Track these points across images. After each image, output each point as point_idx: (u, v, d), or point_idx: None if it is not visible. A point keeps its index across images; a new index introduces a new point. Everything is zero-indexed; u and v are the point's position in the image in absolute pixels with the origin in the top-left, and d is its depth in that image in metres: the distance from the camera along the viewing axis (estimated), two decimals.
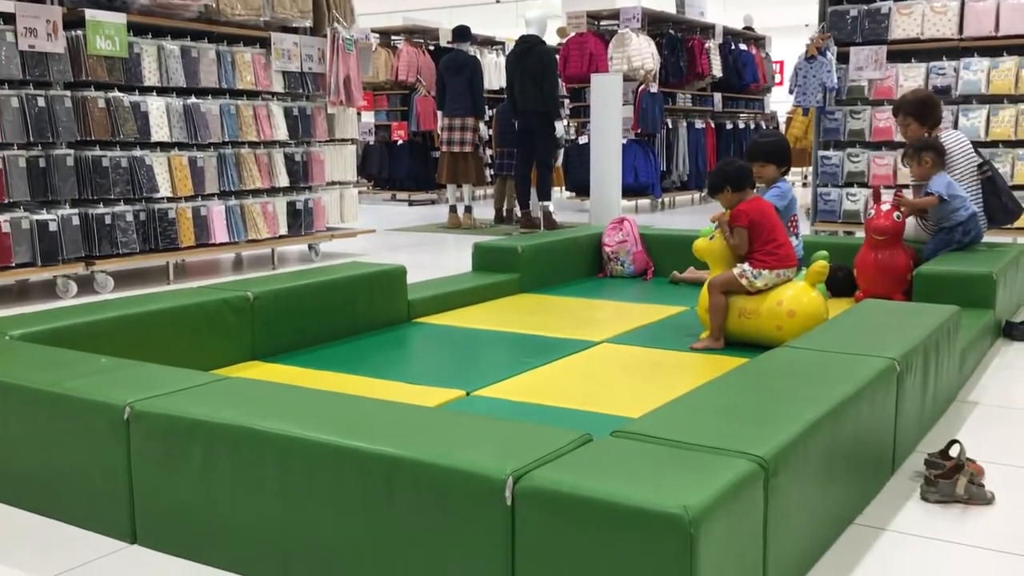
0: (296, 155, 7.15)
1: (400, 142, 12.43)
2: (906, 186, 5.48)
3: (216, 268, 6.91)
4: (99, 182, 5.85)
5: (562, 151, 10.51)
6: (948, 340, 3.22)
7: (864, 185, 7.60)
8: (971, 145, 5.18)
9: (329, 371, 3.58)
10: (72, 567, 2.13)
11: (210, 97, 6.57)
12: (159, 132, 6.17)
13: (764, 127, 13.25)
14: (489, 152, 11.05)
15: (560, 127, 9.13)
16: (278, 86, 7.00)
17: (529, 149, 8.88)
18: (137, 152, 6.04)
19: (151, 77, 6.19)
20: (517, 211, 9.54)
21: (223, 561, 2.11)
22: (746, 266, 3.88)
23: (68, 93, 5.70)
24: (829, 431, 2.12)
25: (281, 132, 6.99)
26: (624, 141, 9.98)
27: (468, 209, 9.69)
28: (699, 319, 4.05)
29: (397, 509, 1.85)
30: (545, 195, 9.00)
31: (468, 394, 3.25)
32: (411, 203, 12.63)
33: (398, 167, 12.52)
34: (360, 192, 9.28)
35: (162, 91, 6.28)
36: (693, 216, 10.40)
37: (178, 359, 3.45)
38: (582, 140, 10.72)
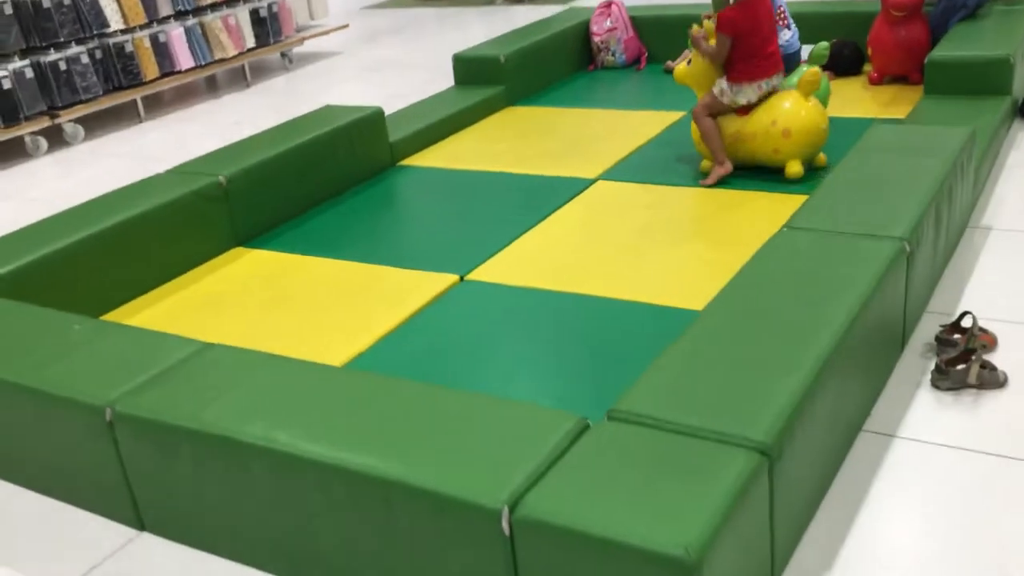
0: None
1: None
2: None
3: (188, 95, 6.56)
4: (44, 26, 5.42)
5: None
6: (962, 172, 3.02)
7: None
8: None
9: (317, 256, 3.46)
10: (83, 560, 2.14)
11: None
12: None
13: None
14: None
15: None
16: None
17: None
18: None
19: None
20: None
21: (230, 553, 2.11)
22: (723, 82, 3.60)
23: None
24: (837, 369, 2.03)
25: None
26: None
27: None
28: (697, 150, 3.83)
29: (395, 526, 1.81)
30: None
31: (462, 279, 3.14)
32: None
33: None
34: None
35: None
36: None
37: (160, 263, 3.35)
38: None
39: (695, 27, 3.75)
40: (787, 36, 4.07)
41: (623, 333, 2.71)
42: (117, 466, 2.17)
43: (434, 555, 1.79)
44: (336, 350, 2.73)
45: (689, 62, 3.76)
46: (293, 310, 3.07)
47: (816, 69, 3.61)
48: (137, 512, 2.22)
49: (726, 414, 1.82)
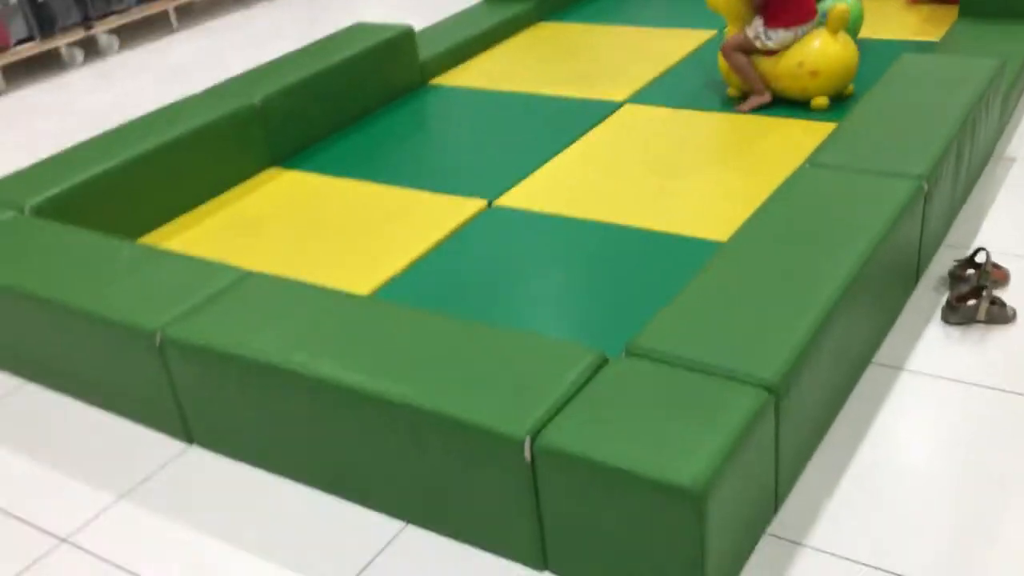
0: None
1: None
2: None
3: (217, 5, 6.56)
4: None
5: None
6: (987, 107, 3.04)
7: None
8: None
9: (349, 177, 3.55)
10: (139, 470, 2.32)
11: None
12: None
13: None
14: None
15: None
16: None
17: None
18: None
19: None
20: None
21: (271, 466, 2.27)
22: (759, 26, 3.59)
23: None
24: (849, 307, 2.12)
25: None
26: None
27: None
28: (724, 79, 3.83)
29: (424, 450, 1.95)
30: None
31: (490, 204, 3.23)
32: None
33: None
34: None
35: None
36: None
37: (197, 185, 3.47)
38: None
39: None
40: None
41: (647, 264, 2.79)
42: (168, 386, 2.33)
43: (460, 477, 1.94)
44: (365, 276, 2.84)
45: None
46: (324, 235, 3.18)
47: (844, 5, 3.58)
48: (186, 427, 2.39)
49: (737, 352, 1.93)
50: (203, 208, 3.45)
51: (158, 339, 2.27)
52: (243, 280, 2.44)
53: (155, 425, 2.46)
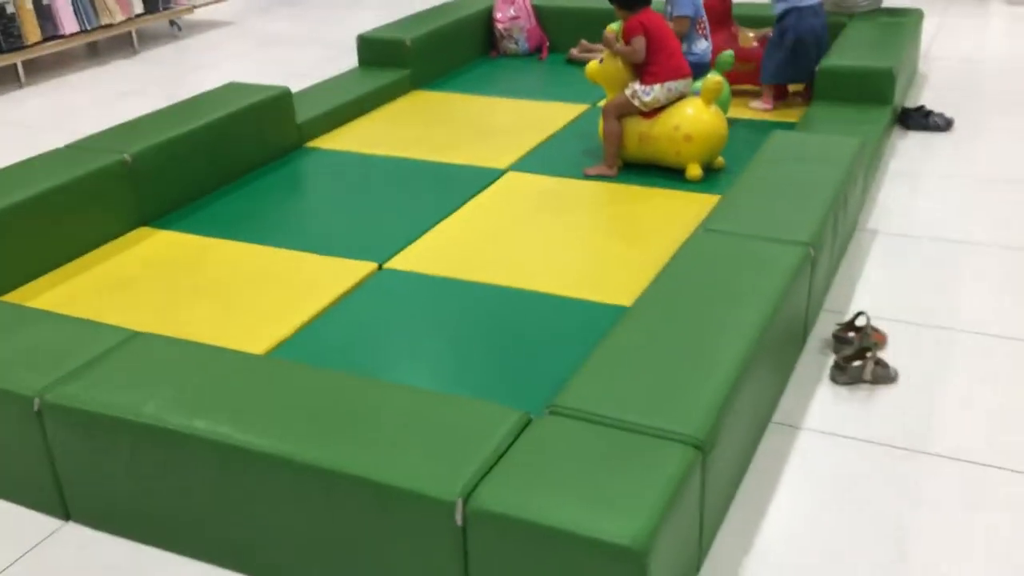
0: None
1: None
2: None
3: (69, 61, 6.28)
4: None
5: None
6: (854, 181, 3.24)
7: None
8: None
9: (227, 238, 3.41)
10: (7, 551, 2.10)
11: None
12: None
13: None
14: None
15: None
16: None
17: None
18: None
19: None
20: None
21: (161, 542, 2.10)
22: (636, 85, 3.76)
23: None
24: (756, 367, 2.17)
25: None
26: None
27: None
28: (601, 144, 3.96)
29: (340, 517, 1.85)
30: None
31: (380, 267, 3.16)
32: None
33: None
34: None
35: None
36: None
37: (61, 242, 3.25)
38: None
39: (610, 27, 3.87)
40: (703, 46, 4.23)
41: (546, 326, 2.79)
42: (44, 455, 2.13)
43: (379, 547, 1.84)
44: (257, 337, 2.71)
45: (602, 60, 3.87)
46: (207, 295, 3.04)
47: (719, 77, 3.78)
48: (63, 501, 2.18)
49: (660, 410, 1.94)
50: (68, 267, 3.23)
51: (36, 405, 2.08)
52: (130, 340, 2.28)
53: (25, 501, 2.24)
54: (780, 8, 4.42)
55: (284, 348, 2.69)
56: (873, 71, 4.17)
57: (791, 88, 4.62)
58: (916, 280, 3.15)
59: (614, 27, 3.87)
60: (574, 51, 5.41)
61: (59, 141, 3.66)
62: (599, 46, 5.21)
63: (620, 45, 3.78)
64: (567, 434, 1.89)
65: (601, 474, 1.77)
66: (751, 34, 4.65)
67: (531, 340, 2.73)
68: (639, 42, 3.72)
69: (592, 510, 1.68)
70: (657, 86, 3.73)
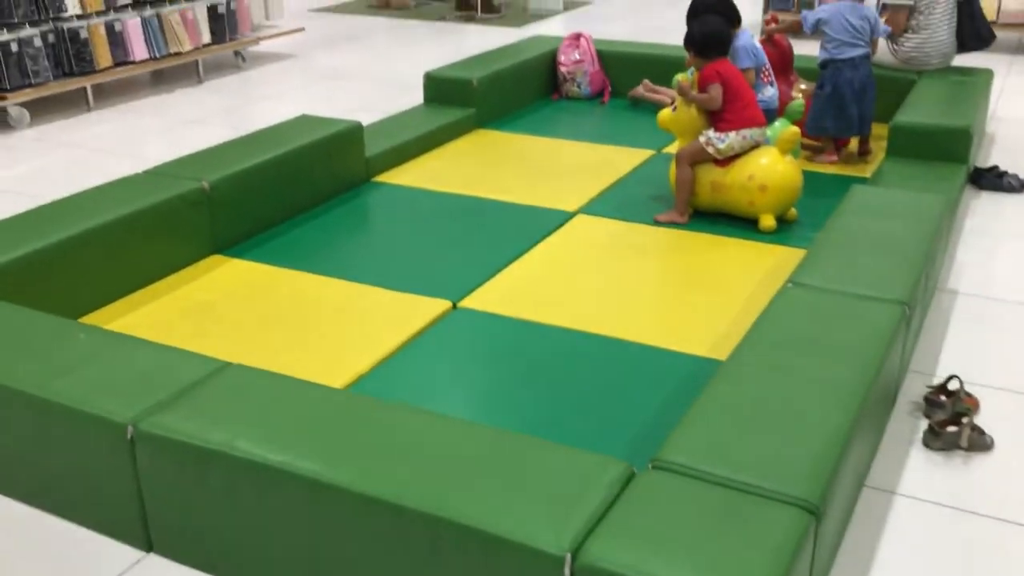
0: None
1: None
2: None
3: (136, 87, 6.36)
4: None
5: None
6: (941, 238, 3.18)
7: None
8: None
9: (300, 270, 3.40)
10: None
11: None
12: None
13: None
14: None
15: None
16: None
17: None
18: None
19: None
20: None
21: None
22: (711, 132, 3.73)
23: None
24: (860, 429, 2.11)
25: None
26: None
27: None
28: (670, 189, 3.93)
29: (441, 564, 1.81)
30: None
31: (455, 305, 3.13)
32: None
33: None
34: None
35: None
36: (640, 14, 9.80)
37: (140, 268, 3.26)
38: None
39: (682, 76, 3.85)
40: (769, 92, 4.22)
41: (624, 373, 2.75)
42: (132, 483, 2.10)
43: None
44: (335, 371, 2.69)
45: (675, 108, 3.86)
46: (282, 325, 3.02)
47: (795, 128, 3.75)
48: (147, 532, 2.15)
49: (773, 471, 1.88)
50: (145, 291, 3.23)
51: (129, 433, 2.06)
52: (221, 371, 2.26)
53: (108, 531, 2.21)
54: (821, 57, 4.41)
55: (364, 383, 2.67)
56: (950, 129, 4.12)
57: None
58: (1001, 343, 3.07)
59: (685, 76, 3.86)
60: (639, 89, 5.41)
61: (126, 165, 3.69)
62: (664, 89, 5.22)
63: (696, 93, 3.76)
64: (674, 490, 1.84)
65: (712, 536, 1.71)
66: (803, 86, 4.61)
67: (612, 387, 2.68)
68: (716, 89, 3.70)
69: (704, 572, 1.62)
70: (732, 133, 3.71)
